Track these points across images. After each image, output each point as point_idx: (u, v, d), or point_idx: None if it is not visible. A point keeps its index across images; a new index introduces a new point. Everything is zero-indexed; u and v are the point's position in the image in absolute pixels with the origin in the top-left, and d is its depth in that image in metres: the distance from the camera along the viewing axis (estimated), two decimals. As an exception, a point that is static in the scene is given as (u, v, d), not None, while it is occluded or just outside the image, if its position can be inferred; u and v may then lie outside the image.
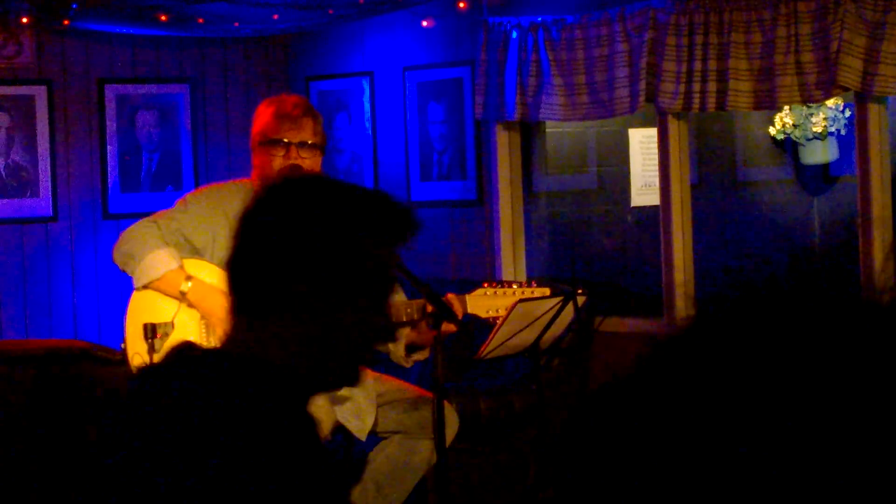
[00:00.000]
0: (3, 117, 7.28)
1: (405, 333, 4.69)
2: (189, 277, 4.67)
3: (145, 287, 4.68)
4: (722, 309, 0.98)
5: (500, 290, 4.76)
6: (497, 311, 4.71)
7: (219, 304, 4.65)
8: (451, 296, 4.57)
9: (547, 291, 4.82)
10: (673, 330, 1.00)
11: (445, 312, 4.41)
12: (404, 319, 4.62)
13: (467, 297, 4.70)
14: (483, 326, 5.09)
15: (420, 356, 4.71)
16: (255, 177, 4.83)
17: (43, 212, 7.33)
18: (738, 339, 0.96)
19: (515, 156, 7.09)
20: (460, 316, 4.51)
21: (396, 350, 4.70)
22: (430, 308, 4.46)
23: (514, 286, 4.81)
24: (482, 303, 4.72)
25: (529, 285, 4.87)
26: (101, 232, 7.45)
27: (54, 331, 7.29)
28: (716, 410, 0.93)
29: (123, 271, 4.75)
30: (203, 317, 4.72)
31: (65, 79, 7.39)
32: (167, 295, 4.69)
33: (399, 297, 4.77)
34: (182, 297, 4.68)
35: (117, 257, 4.75)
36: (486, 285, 4.77)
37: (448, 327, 4.41)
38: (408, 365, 4.74)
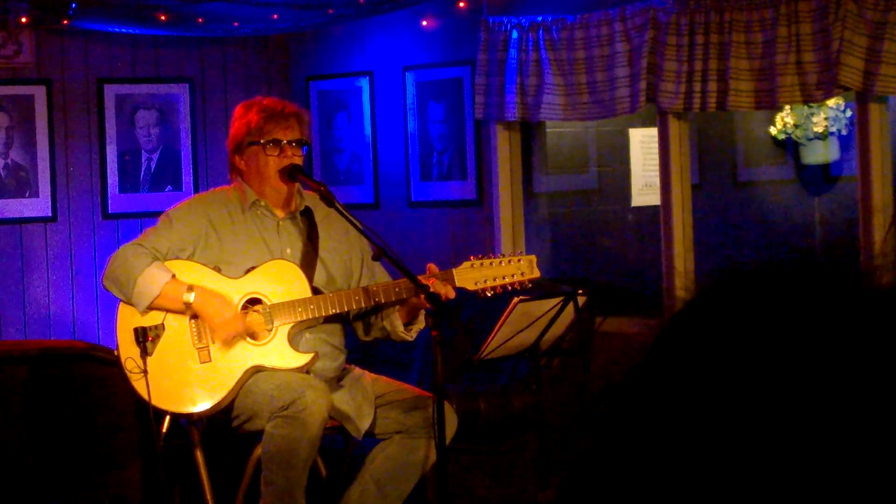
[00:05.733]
0: (2, 117, 7.26)
1: (398, 310, 4.75)
2: (190, 288, 4.67)
3: (149, 309, 4.69)
4: (715, 295, 0.97)
5: (486, 262, 4.79)
6: (485, 282, 4.76)
7: (224, 309, 4.67)
8: (433, 280, 4.60)
9: (533, 259, 4.85)
10: (664, 323, 0.99)
11: (430, 297, 4.48)
12: (393, 299, 4.72)
13: (454, 271, 4.73)
14: (483, 327, 5.08)
15: (420, 326, 4.78)
16: (246, 181, 4.82)
17: (42, 212, 7.32)
18: (734, 324, 0.95)
19: (515, 156, 7.08)
20: (444, 296, 4.58)
21: (396, 328, 4.75)
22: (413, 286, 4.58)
23: (501, 256, 4.84)
24: (469, 275, 4.75)
25: (516, 254, 4.90)
26: (100, 232, 7.44)
27: (53, 331, 7.28)
28: (716, 397, 0.92)
29: (118, 298, 4.75)
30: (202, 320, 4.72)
31: (64, 78, 7.38)
32: (171, 311, 4.70)
33: (386, 279, 4.83)
34: (187, 308, 4.68)
35: (108, 285, 4.75)
36: (472, 258, 4.79)
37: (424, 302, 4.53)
38: (411, 337, 4.83)
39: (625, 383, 0.97)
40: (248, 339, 4.73)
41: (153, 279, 4.67)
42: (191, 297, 4.67)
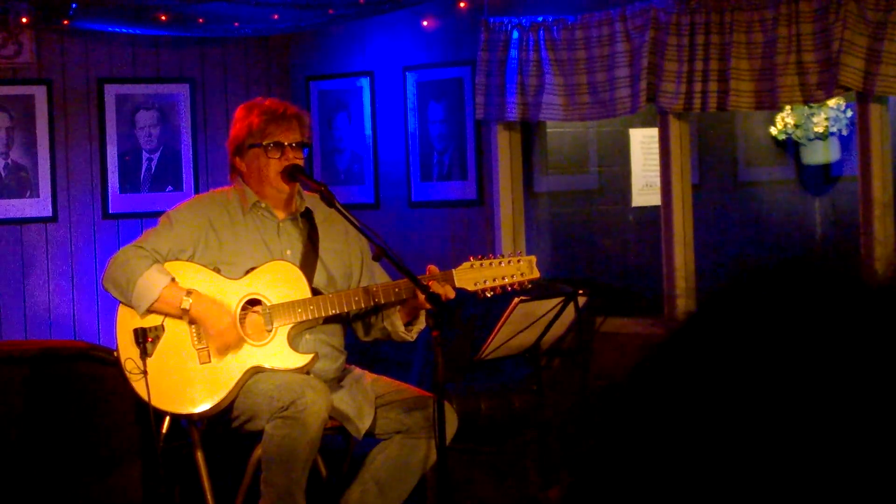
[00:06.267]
0: (2, 117, 7.26)
1: (398, 311, 4.74)
2: (189, 293, 4.67)
3: (148, 312, 4.68)
4: (717, 302, 0.97)
5: (486, 262, 4.79)
6: (485, 282, 4.76)
7: (220, 316, 4.66)
8: (432, 281, 4.60)
9: (533, 259, 4.85)
10: (670, 329, 0.99)
11: (431, 298, 4.48)
12: (393, 299, 4.71)
13: (454, 271, 4.73)
14: (483, 327, 5.07)
15: (420, 326, 4.77)
16: (246, 182, 4.82)
17: (42, 212, 7.31)
18: (738, 331, 0.94)
19: (516, 156, 7.08)
20: (444, 296, 4.56)
21: (396, 329, 4.74)
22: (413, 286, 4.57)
23: (500, 257, 4.83)
24: (469, 276, 4.75)
25: (515, 255, 4.90)
26: (100, 232, 7.43)
27: (53, 331, 7.27)
28: (719, 404, 0.92)
29: (118, 300, 4.74)
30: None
31: (64, 78, 7.37)
32: (169, 315, 4.69)
33: (385, 280, 4.83)
34: (184, 313, 4.67)
35: (108, 287, 4.74)
36: (471, 258, 4.79)
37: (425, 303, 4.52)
38: (412, 338, 4.82)
39: (632, 386, 0.97)
40: (248, 339, 4.73)
41: (152, 283, 4.67)
42: (188, 303, 4.67)
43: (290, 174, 4.78)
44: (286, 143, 4.76)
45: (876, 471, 0.89)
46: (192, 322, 4.71)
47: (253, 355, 4.71)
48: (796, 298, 0.95)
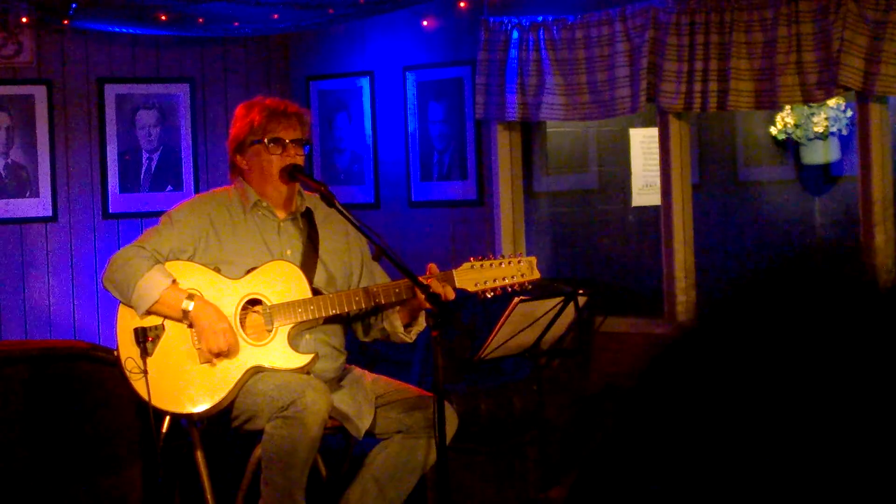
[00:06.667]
0: (2, 117, 7.26)
1: (398, 311, 4.74)
2: (191, 296, 4.66)
3: (147, 313, 4.68)
4: (722, 308, 0.98)
5: (486, 263, 4.79)
6: (485, 283, 4.76)
7: (219, 326, 4.65)
8: (432, 280, 4.60)
9: (533, 260, 4.85)
10: (675, 333, 0.99)
11: (431, 297, 4.48)
12: (393, 300, 4.71)
13: (454, 271, 4.72)
14: (483, 327, 5.08)
15: (419, 327, 4.77)
16: (247, 180, 4.82)
17: (42, 212, 7.31)
18: (741, 336, 0.95)
19: (516, 156, 7.08)
20: (444, 296, 4.56)
21: (395, 329, 4.74)
22: (415, 288, 4.57)
23: (501, 258, 4.83)
24: (469, 276, 4.74)
25: (516, 255, 4.90)
26: (100, 232, 7.43)
27: (54, 331, 7.27)
28: (723, 409, 0.92)
29: (118, 299, 4.74)
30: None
31: (64, 78, 7.37)
32: (168, 317, 4.69)
33: (385, 280, 4.83)
34: (184, 315, 4.67)
35: (109, 286, 4.74)
36: (472, 259, 4.79)
37: (425, 303, 4.53)
38: (410, 339, 4.82)
39: (640, 390, 0.97)
40: (248, 339, 4.73)
41: (153, 284, 4.67)
42: (190, 306, 4.66)
43: (290, 174, 4.78)
44: (287, 140, 4.77)
45: (879, 472, 0.89)
46: (191, 325, 4.71)
47: (253, 355, 4.71)
48: (801, 303, 0.95)
